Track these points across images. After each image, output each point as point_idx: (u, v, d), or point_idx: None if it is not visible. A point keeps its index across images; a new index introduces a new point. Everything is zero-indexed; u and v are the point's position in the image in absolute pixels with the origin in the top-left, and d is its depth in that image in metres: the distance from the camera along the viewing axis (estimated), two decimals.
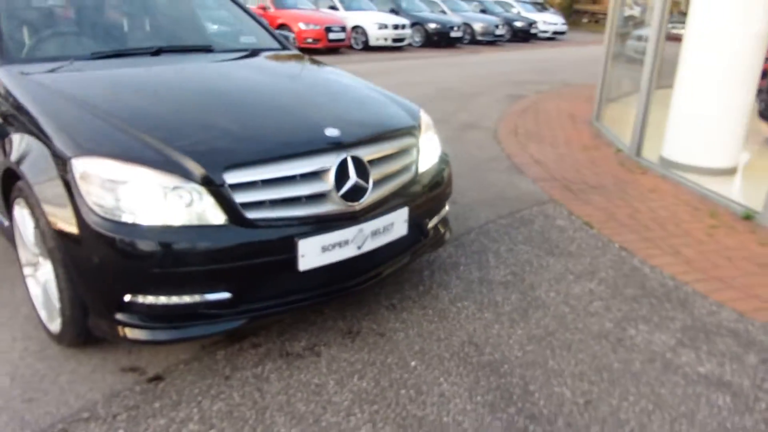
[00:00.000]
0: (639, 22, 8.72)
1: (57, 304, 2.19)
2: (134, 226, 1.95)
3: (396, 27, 15.59)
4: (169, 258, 1.98)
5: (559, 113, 7.65)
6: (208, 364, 2.32)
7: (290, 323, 2.60)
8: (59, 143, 2.07)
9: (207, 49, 3.24)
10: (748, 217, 3.99)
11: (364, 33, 15.26)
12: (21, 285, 2.61)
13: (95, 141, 2.06)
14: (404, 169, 2.57)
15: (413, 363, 2.38)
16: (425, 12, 18.14)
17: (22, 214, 2.33)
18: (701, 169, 4.82)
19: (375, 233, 2.36)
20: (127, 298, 2.01)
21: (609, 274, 3.20)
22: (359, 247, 2.31)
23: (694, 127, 4.82)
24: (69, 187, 2.00)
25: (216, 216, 2.03)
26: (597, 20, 37.37)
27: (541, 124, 6.91)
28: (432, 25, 16.95)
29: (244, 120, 2.34)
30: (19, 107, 2.37)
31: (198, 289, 2.05)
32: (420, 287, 2.96)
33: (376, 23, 15.18)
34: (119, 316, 2.04)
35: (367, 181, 2.34)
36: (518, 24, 20.64)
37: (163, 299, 2.03)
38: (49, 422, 1.97)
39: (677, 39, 8.20)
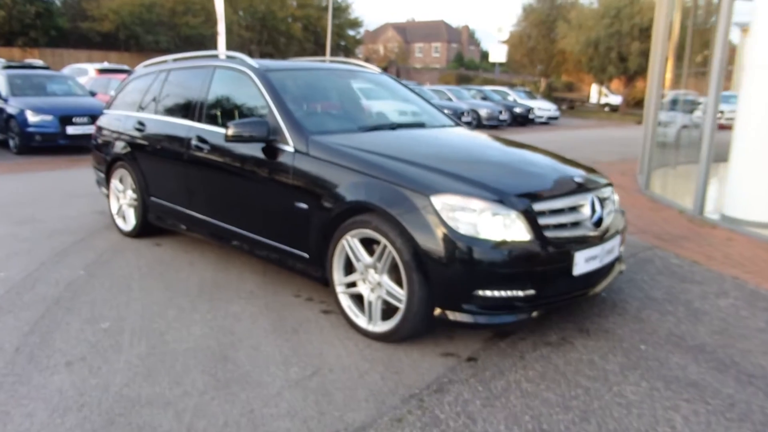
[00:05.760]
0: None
1: (384, 306, 3.01)
2: (481, 240, 2.83)
3: None
4: (503, 263, 2.85)
5: None
6: (500, 350, 3.12)
7: (534, 326, 3.43)
8: (414, 185, 2.97)
9: (421, 125, 4.24)
10: None
11: None
12: (300, 312, 3.40)
13: (440, 184, 2.97)
14: (615, 209, 3.51)
15: (642, 347, 3.22)
16: (435, 100, 19.77)
17: (353, 243, 3.18)
18: (759, 223, 5.86)
19: (608, 252, 3.27)
20: (476, 292, 2.85)
21: (737, 294, 4.10)
22: (601, 261, 3.21)
23: (752, 193, 5.90)
24: (430, 215, 2.87)
25: (526, 234, 2.91)
26: (573, 107, 40.04)
27: None
28: (444, 111, 18.46)
29: (519, 169, 3.30)
30: (339, 161, 3.27)
31: (516, 286, 2.91)
32: (608, 303, 3.82)
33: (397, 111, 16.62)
34: (466, 307, 2.87)
35: (603, 213, 3.27)
36: (518, 110, 22.46)
37: (495, 293, 2.87)
38: (415, 389, 2.74)
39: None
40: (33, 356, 2.92)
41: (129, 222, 5.11)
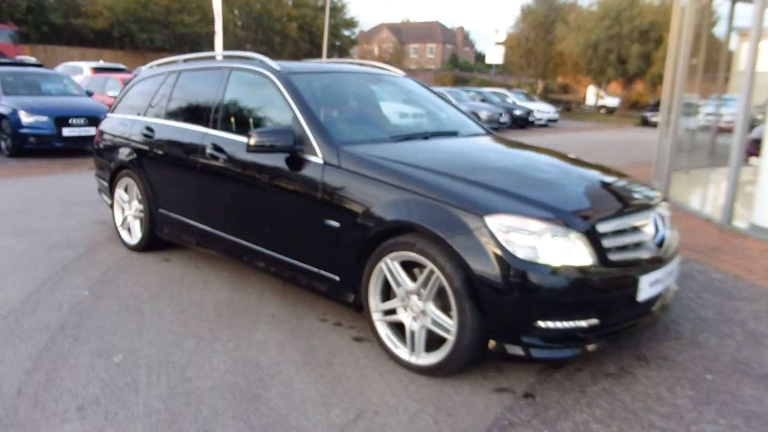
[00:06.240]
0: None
1: (429, 335, 2.71)
2: (542, 265, 2.53)
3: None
4: (567, 290, 2.56)
5: None
6: (557, 383, 2.83)
7: (588, 354, 3.13)
8: (465, 204, 2.66)
9: (454, 134, 3.94)
10: None
11: None
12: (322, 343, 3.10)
13: (494, 202, 2.67)
14: (672, 225, 3.23)
15: (709, 377, 2.94)
16: None
17: (393, 266, 2.88)
18: None
19: (669, 274, 2.99)
20: (536, 323, 2.55)
21: None
22: (663, 284, 2.93)
23: None
24: (485, 238, 2.57)
25: (589, 258, 2.62)
26: (570, 108, 39.82)
27: None
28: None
29: (577, 186, 3.02)
30: (377, 175, 2.97)
31: (579, 316, 2.62)
32: (659, 325, 3.54)
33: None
34: (525, 339, 2.58)
35: (665, 232, 2.99)
36: (518, 112, 22.22)
37: (557, 324, 2.58)
38: None
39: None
40: (38, 400, 2.59)
41: (135, 235, 4.79)
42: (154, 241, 4.66)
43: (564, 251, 2.58)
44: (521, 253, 2.54)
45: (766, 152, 5.84)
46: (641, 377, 2.92)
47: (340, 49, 46.17)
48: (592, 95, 40.35)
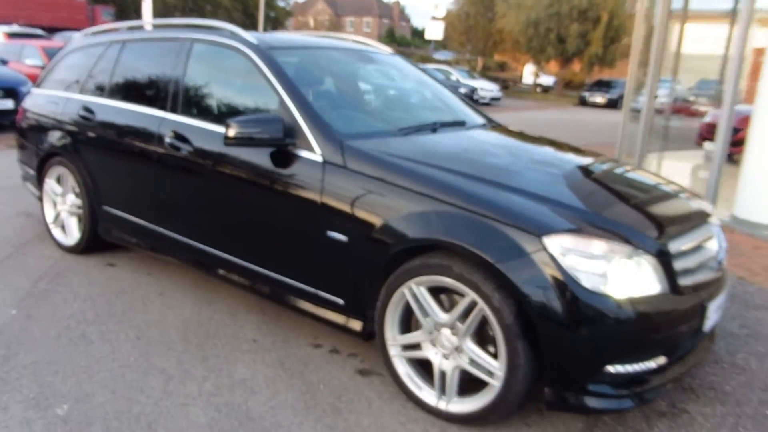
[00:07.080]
0: None
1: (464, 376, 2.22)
2: (614, 296, 2.07)
3: None
4: (643, 325, 2.11)
5: None
6: (610, 429, 2.40)
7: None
8: (518, 221, 2.15)
9: (462, 124, 3.40)
10: None
11: None
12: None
13: (552, 219, 2.18)
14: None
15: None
16: None
17: (419, 292, 2.35)
18: None
19: (727, 297, 2.61)
20: (606, 368, 2.09)
21: None
22: (722, 309, 2.55)
23: None
24: (544, 263, 2.08)
25: (660, 285, 2.18)
26: (507, 86, 39.93)
27: None
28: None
29: (636, 196, 2.60)
30: (396, 179, 2.42)
31: (647, 356, 2.18)
32: None
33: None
34: (592, 387, 2.12)
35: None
36: (462, 90, 21.87)
37: (627, 367, 2.13)
38: None
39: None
40: None
41: (71, 234, 4.02)
42: (95, 242, 3.92)
43: (636, 277, 2.13)
44: (587, 282, 2.07)
45: (752, 141, 5.64)
46: (697, 416, 2.54)
47: (275, 20, 44.42)
48: (529, 74, 40.64)
